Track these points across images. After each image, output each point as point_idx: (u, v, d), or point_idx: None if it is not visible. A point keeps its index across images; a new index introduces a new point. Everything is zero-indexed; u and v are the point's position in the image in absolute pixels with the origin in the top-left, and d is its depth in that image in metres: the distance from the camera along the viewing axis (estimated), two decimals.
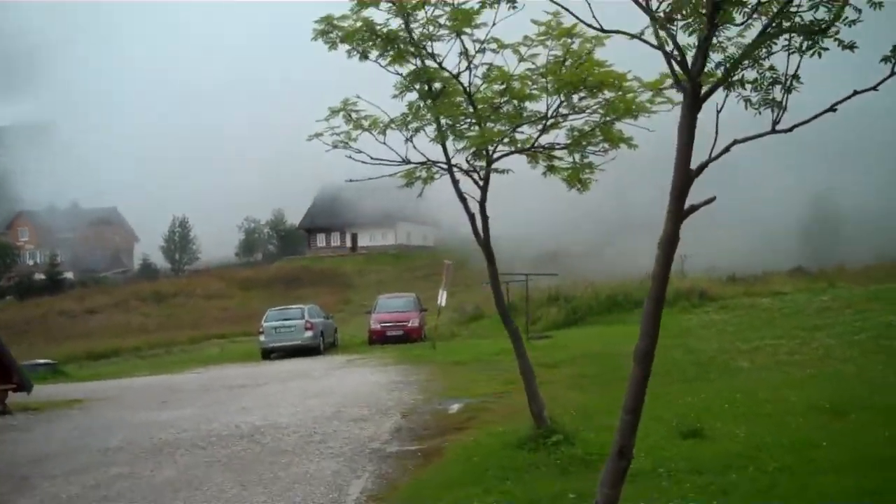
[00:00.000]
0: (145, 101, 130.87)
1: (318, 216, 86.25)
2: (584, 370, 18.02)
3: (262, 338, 30.62)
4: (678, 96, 5.20)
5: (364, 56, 8.46)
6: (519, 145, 8.14)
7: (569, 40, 7.43)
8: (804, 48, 4.76)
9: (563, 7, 5.69)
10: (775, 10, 4.68)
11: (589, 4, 4.96)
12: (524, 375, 9.56)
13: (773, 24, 4.65)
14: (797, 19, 4.66)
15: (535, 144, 8.18)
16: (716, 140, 5.12)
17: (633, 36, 5.01)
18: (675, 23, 4.72)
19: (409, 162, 8.43)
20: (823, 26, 4.56)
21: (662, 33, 4.69)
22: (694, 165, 5.11)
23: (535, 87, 7.74)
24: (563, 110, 7.82)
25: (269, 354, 30.34)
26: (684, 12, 4.66)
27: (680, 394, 13.58)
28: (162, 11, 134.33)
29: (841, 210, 60.97)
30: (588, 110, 7.74)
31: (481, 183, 8.38)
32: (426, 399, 15.67)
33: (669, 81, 6.91)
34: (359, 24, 8.15)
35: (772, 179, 60.25)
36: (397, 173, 8.72)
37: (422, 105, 8.31)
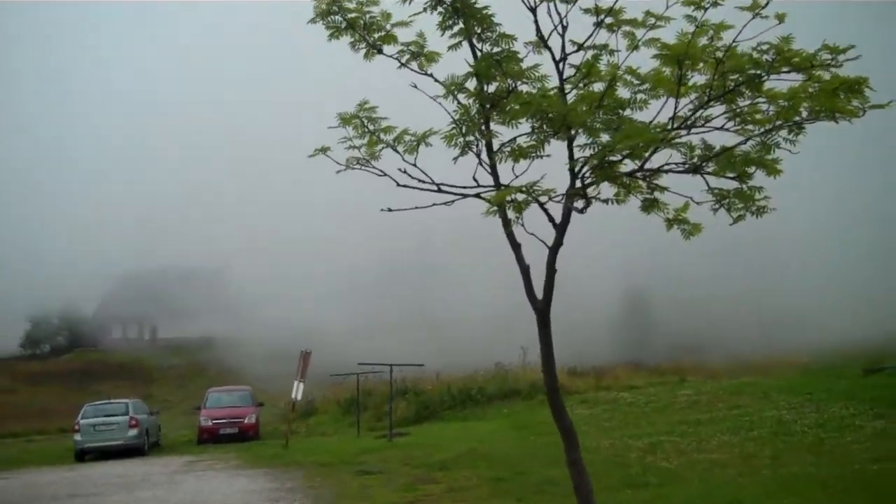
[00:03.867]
0: None
1: (113, 305, 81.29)
2: (493, 473, 15.79)
3: (77, 437, 26.44)
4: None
5: (375, 50, 6.21)
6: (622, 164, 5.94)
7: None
8: None
9: None
10: None
11: None
12: (577, 490, 6.98)
13: None
14: None
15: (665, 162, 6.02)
16: None
17: None
18: None
19: (477, 185, 6.12)
20: None
21: None
22: None
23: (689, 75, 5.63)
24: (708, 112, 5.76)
25: (83, 456, 26.31)
26: None
27: (650, 501, 11.75)
28: None
29: (650, 304, 61.86)
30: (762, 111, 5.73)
31: (559, 220, 6.16)
32: None
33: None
34: None
35: (592, 278, 60.70)
36: (451, 201, 6.36)
37: (475, 110, 6.07)
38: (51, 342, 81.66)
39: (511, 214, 6.03)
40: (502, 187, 6.11)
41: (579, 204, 6.13)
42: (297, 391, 24.90)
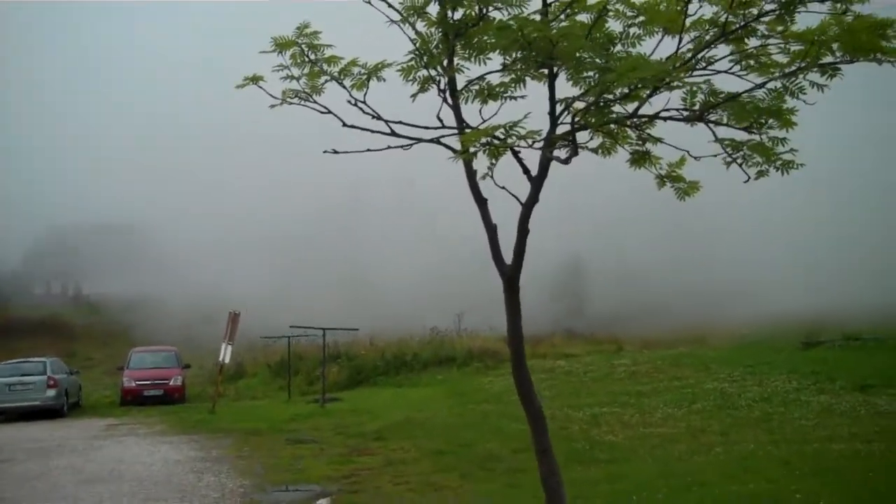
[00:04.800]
0: None
1: (36, 260, 78.64)
2: (432, 444, 15.02)
3: None
4: None
5: None
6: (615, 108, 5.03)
7: None
8: None
9: None
10: None
11: None
12: (546, 483, 6.08)
13: None
14: None
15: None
16: None
17: None
18: None
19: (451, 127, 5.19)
20: None
21: None
22: None
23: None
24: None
25: None
26: None
27: (604, 480, 11.12)
28: None
29: (586, 272, 61.18)
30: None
31: (535, 172, 5.25)
32: (257, 485, 12.06)
33: None
34: None
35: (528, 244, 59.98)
36: (409, 145, 5.42)
37: (438, 39, 5.13)
38: None
39: (483, 162, 5.08)
40: (469, 130, 5.19)
41: (562, 153, 5.26)
42: (226, 353, 23.82)
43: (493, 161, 4.91)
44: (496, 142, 4.77)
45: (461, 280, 52.77)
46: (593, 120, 5.05)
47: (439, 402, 23.15)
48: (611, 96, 4.95)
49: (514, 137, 4.73)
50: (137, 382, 28.49)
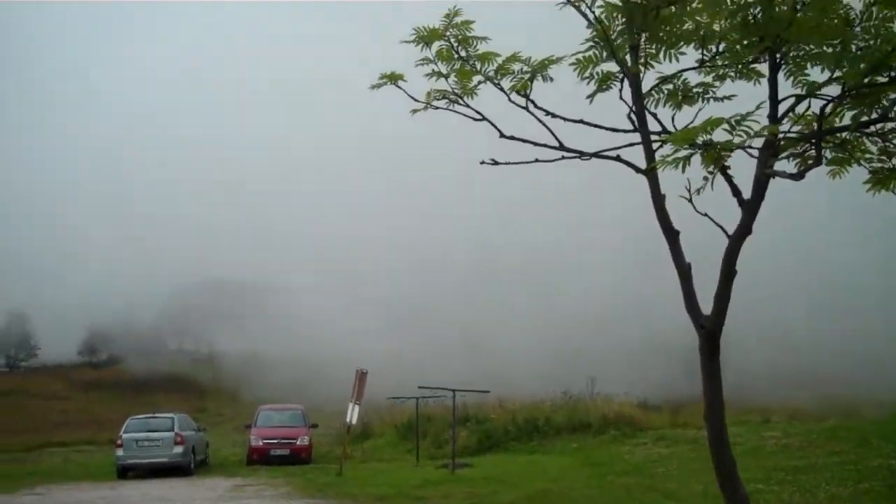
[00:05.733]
0: None
1: (170, 316, 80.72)
2: None
3: (119, 451, 24.85)
4: None
5: None
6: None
7: None
8: None
9: None
10: None
11: None
12: None
13: None
14: None
15: None
16: None
17: None
18: None
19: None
20: None
21: None
22: None
23: None
24: None
25: (126, 472, 24.75)
26: None
27: None
28: None
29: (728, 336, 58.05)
30: None
31: (747, 194, 4.10)
32: None
33: None
34: None
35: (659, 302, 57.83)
36: (588, 156, 4.39)
37: (620, 27, 4.11)
38: (107, 351, 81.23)
39: (670, 180, 3.94)
40: (663, 135, 4.10)
41: (789, 167, 4.09)
42: (353, 414, 22.97)
43: (711, 170, 3.76)
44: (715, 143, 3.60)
45: (593, 339, 51.22)
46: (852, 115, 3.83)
47: (576, 472, 21.74)
48: (884, 78, 3.72)
49: (742, 136, 3.58)
50: (264, 441, 28.00)
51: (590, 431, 28.77)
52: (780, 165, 4.09)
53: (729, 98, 4.16)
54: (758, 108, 3.64)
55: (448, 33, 4.48)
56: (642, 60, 4.20)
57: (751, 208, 4.29)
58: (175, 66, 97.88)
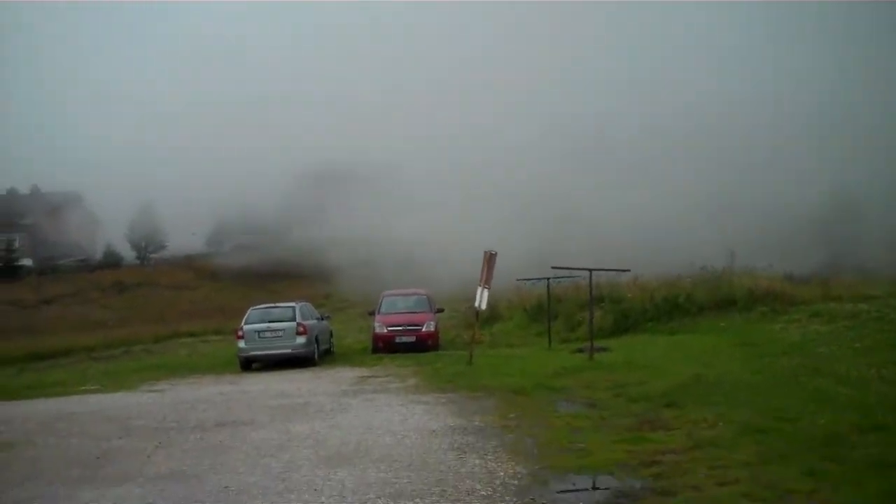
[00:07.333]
0: (113, 79, 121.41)
1: (293, 205, 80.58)
2: (742, 416, 11.76)
3: (241, 343, 24.01)
4: None
5: None
6: None
7: None
8: None
9: None
10: None
11: None
12: None
13: None
14: None
15: None
16: None
17: None
18: None
19: None
20: None
21: None
22: None
23: None
24: None
25: (249, 365, 23.99)
26: None
27: None
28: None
29: (860, 207, 53.20)
30: None
31: None
32: (533, 474, 9.39)
33: None
34: None
35: (788, 171, 53.75)
36: None
37: None
38: (234, 241, 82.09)
39: None
40: None
41: None
42: (482, 298, 21.34)
43: None
44: None
45: (729, 212, 48.12)
46: None
47: (727, 354, 19.78)
48: None
49: None
50: (389, 328, 26.85)
51: (735, 308, 26.69)
52: None
53: None
54: None
55: None
56: None
57: None
58: None
